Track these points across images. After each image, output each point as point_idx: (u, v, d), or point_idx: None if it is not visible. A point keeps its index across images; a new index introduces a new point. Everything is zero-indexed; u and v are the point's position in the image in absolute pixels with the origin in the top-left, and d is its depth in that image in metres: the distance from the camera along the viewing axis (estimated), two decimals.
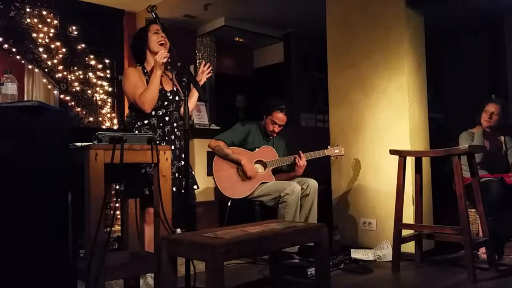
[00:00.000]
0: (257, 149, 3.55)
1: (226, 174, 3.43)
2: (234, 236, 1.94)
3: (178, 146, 2.71)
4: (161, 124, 2.67)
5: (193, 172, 2.84)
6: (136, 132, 2.62)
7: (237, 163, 3.43)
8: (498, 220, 3.33)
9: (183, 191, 2.59)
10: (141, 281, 2.48)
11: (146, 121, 2.65)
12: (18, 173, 1.73)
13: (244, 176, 3.43)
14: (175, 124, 2.75)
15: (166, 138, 2.67)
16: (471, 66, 5.75)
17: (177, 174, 2.62)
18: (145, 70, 2.71)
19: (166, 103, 2.67)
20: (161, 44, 2.66)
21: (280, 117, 3.56)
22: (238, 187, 3.42)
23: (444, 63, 5.85)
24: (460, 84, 5.80)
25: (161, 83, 2.65)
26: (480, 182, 3.20)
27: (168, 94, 2.69)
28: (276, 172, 3.62)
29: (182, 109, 2.80)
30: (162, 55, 2.55)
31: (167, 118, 2.70)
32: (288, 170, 3.64)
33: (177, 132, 2.75)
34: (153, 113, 2.65)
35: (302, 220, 3.36)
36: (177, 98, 2.74)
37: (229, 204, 3.46)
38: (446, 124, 5.18)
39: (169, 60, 2.60)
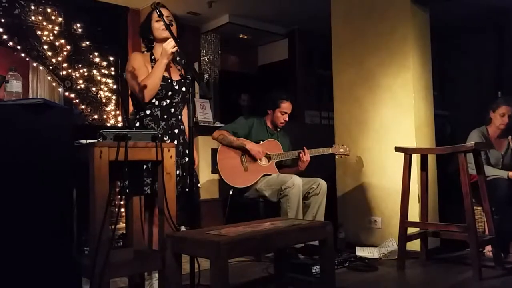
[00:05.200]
0: (262, 142, 3.56)
1: (230, 163, 3.44)
2: (239, 234, 1.93)
3: (182, 141, 2.57)
4: (165, 116, 2.52)
5: (195, 170, 2.71)
6: (138, 123, 2.51)
7: (243, 149, 3.44)
8: (505, 218, 3.31)
9: (187, 189, 2.49)
10: (146, 283, 2.46)
11: (148, 112, 2.49)
12: (22, 170, 1.73)
13: (250, 162, 3.44)
14: (179, 117, 2.60)
15: (170, 132, 2.52)
16: (477, 63, 5.71)
17: (178, 172, 2.48)
18: (153, 57, 2.57)
19: (171, 93, 2.51)
20: (163, 30, 2.47)
21: (287, 106, 3.64)
22: (241, 176, 3.43)
23: (450, 60, 5.81)
24: (466, 81, 5.76)
25: (168, 71, 2.51)
26: (487, 180, 3.18)
27: (175, 84, 2.53)
28: (280, 167, 3.62)
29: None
30: (171, 44, 2.38)
31: (172, 110, 2.54)
32: (292, 166, 3.65)
33: (181, 126, 2.60)
34: (157, 103, 2.49)
35: (310, 220, 3.35)
36: (183, 89, 2.57)
37: (230, 193, 3.47)
38: (452, 121, 5.15)
39: (178, 50, 2.43)
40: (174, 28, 2.51)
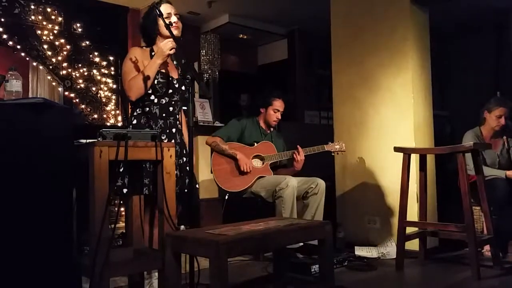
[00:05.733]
0: (256, 144, 3.56)
1: (224, 168, 3.45)
2: (238, 233, 1.94)
3: (179, 141, 2.51)
4: (163, 115, 2.46)
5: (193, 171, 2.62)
6: (135, 121, 2.45)
7: (234, 158, 3.45)
8: (503, 218, 3.32)
9: (186, 190, 2.46)
10: (145, 282, 2.46)
11: (147, 109, 2.43)
12: (22, 169, 1.74)
13: (240, 168, 3.44)
14: (177, 116, 2.53)
15: (167, 131, 2.46)
16: (476, 63, 5.72)
17: (176, 172, 2.38)
18: (153, 53, 2.48)
19: (171, 91, 2.46)
20: (174, 28, 2.41)
21: (279, 103, 3.63)
22: (235, 180, 3.43)
23: (450, 60, 5.82)
24: (465, 81, 5.77)
25: (166, 69, 2.47)
26: (485, 180, 3.19)
27: (175, 82, 2.49)
28: (277, 167, 3.63)
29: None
30: (168, 45, 2.30)
31: (171, 108, 2.48)
32: (289, 166, 3.65)
33: (179, 126, 2.54)
34: (156, 101, 2.44)
35: (308, 219, 3.35)
36: (183, 87, 2.52)
37: (226, 197, 3.48)
38: (451, 122, 5.16)
39: (175, 52, 2.38)
40: (180, 26, 2.48)
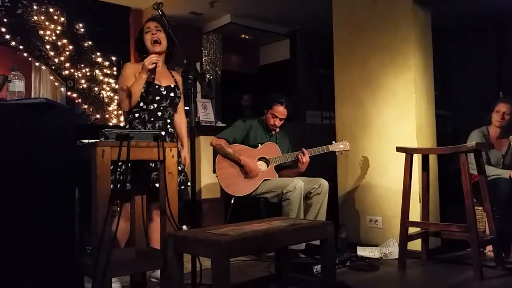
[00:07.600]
0: (260, 146, 3.54)
1: (228, 172, 3.42)
2: (240, 233, 1.94)
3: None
4: (152, 119, 2.64)
5: (185, 169, 2.79)
6: (128, 125, 2.66)
7: (238, 163, 3.43)
8: (506, 218, 3.31)
9: (183, 187, 2.67)
10: (147, 272, 2.48)
11: (137, 115, 2.64)
12: (24, 169, 1.74)
13: (246, 173, 3.42)
14: (168, 121, 2.71)
15: None
16: (478, 63, 5.71)
17: None
18: None
19: (158, 98, 2.64)
20: (155, 42, 2.63)
21: (280, 110, 3.52)
22: (240, 184, 3.41)
23: (451, 60, 5.82)
24: (467, 81, 5.76)
25: (157, 78, 2.65)
26: (488, 179, 3.18)
27: (162, 89, 2.66)
28: (281, 168, 3.61)
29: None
30: (151, 60, 2.50)
31: (159, 113, 2.66)
32: (293, 166, 3.64)
33: (169, 129, 2.71)
34: (145, 107, 2.63)
35: (311, 219, 3.35)
36: (172, 94, 2.70)
37: (232, 201, 3.45)
38: (453, 121, 5.15)
39: (157, 66, 2.57)
40: (163, 35, 2.66)
